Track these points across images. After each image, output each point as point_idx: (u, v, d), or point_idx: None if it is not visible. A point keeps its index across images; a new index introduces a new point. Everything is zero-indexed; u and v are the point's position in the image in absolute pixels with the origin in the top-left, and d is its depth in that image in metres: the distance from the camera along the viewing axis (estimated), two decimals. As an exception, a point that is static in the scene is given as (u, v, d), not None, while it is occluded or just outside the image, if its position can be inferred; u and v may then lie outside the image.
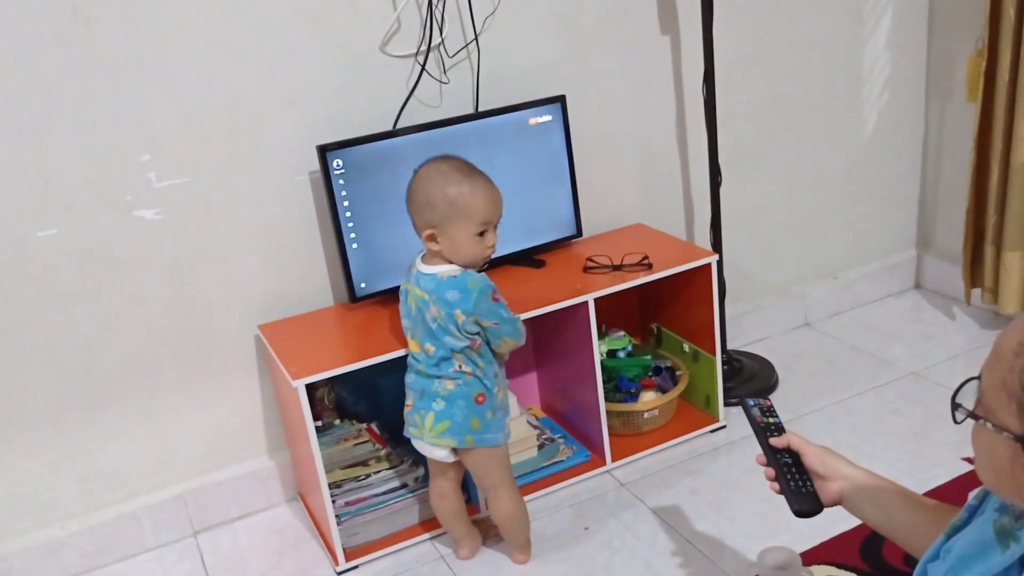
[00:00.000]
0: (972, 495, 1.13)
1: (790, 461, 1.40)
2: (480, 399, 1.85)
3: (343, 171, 2.05)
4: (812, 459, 1.39)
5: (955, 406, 0.99)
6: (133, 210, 2.00)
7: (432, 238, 1.78)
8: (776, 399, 2.52)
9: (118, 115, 1.93)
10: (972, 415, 0.97)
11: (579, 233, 2.40)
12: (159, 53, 1.93)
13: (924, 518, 1.28)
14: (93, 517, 2.14)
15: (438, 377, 1.84)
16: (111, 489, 2.15)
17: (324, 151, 2.02)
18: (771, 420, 1.48)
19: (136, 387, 2.11)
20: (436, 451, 1.89)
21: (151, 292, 2.06)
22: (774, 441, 1.43)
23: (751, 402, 1.51)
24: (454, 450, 1.89)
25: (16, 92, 1.84)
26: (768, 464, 1.41)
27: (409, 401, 1.91)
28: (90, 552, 2.13)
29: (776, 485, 1.39)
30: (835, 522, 1.98)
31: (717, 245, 2.45)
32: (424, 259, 1.85)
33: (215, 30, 1.97)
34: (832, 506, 1.38)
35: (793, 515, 1.36)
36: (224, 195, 2.07)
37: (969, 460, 2.18)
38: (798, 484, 1.37)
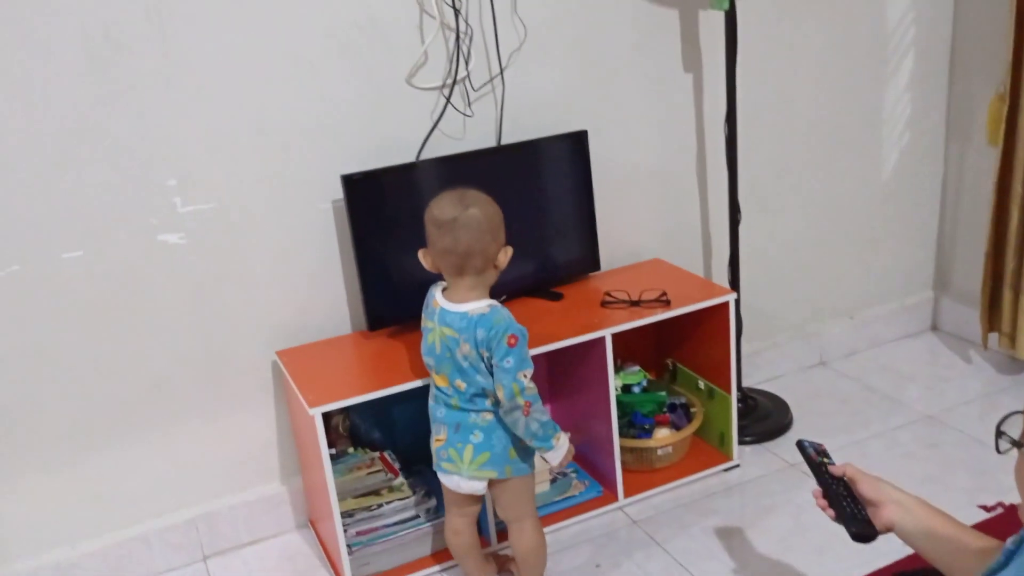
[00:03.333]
0: (1010, 541, 1.14)
1: (844, 492, 1.48)
2: None
3: (366, 201, 2.06)
4: (866, 487, 1.46)
5: (999, 434, 1.01)
6: (158, 234, 2.01)
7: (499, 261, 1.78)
8: (790, 439, 2.51)
9: (146, 139, 1.96)
10: (1016, 444, 0.98)
11: (597, 267, 2.41)
12: (189, 80, 1.96)
13: (967, 552, 1.31)
14: (105, 538, 2.14)
15: (475, 411, 1.82)
16: (124, 511, 2.15)
17: (348, 181, 2.04)
18: (825, 460, 1.57)
19: (154, 409, 2.12)
20: (473, 484, 1.86)
21: (172, 316, 2.07)
22: (833, 469, 1.52)
23: (807, 443, 1.61)
24: (488, 482, 1.88)
25: (48, 114, 1.87)
26: (825, 495, 1.49)
27: (440, 436, 1.87)
28: (101, 573, 2.13)
29: (832, 512, 1.47)
30: (850, 569, 1.97)
31: (735, 283, 2.45)
32: (448, 295, 1.82)
33: (245, 58, 1.99)
34: (885, 532, 1.43)
35: (851, 539, 1.42)
36: (248, 221, 2.09)
37: (985, 508, 2.16)
38: (853, 511, 1.45)
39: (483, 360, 1.76)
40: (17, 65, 1.82)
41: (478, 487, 1.87)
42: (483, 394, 1.80)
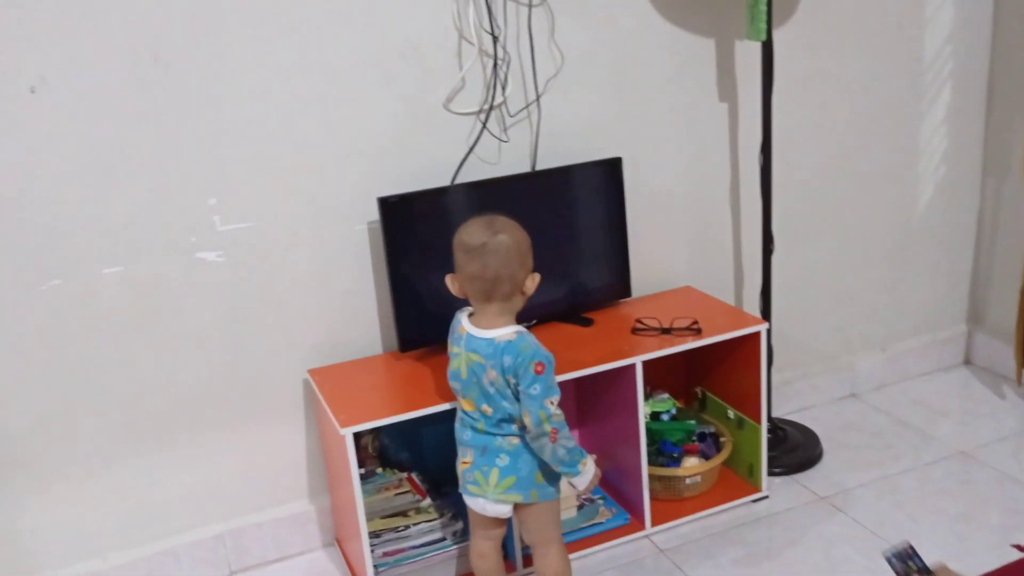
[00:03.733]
0: None
1: None
2: None
3: (401, 223, 2.09)
4: None
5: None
6: (197, 251, 2.05)
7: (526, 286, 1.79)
8: (820, 471, 2.49)
9: (189, 159, 2.00)
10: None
11: (628, 293, 2.41)
12: (232, 101, 2.00)
13: None
14: (135, 551, 2.16)
15: (501, 435, 1.83)
16: (154, 524, 2.18)
17: (384, 203, 2.06)
18: (914, 566, 1.51)
19: (186, 424, 2.14)
20: (499, 508, 1.87)
21: (207, 332, 2.10)
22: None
23: (892, 559, 1.54)
24: (514, 506, 1.88)
25: (97, 132, 1.91)
26: None
27: (467, 459, 1.87)
28: (129, 586, 2.16)
29: None
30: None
31: (767, 313, 2.44)
32: (475, 320, 1.82)
33: (287, 81, 2.03)
34: None
35: None
36: (284, 241, 2.12)
37: (1019, 547, 2.13)
38: None
39: (509, 386, 1.77)
40: (69, 83, 1.87)
41: (503, 510, 1.87)
42: (510, 419, 1.81)
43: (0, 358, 1.95)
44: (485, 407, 1.81)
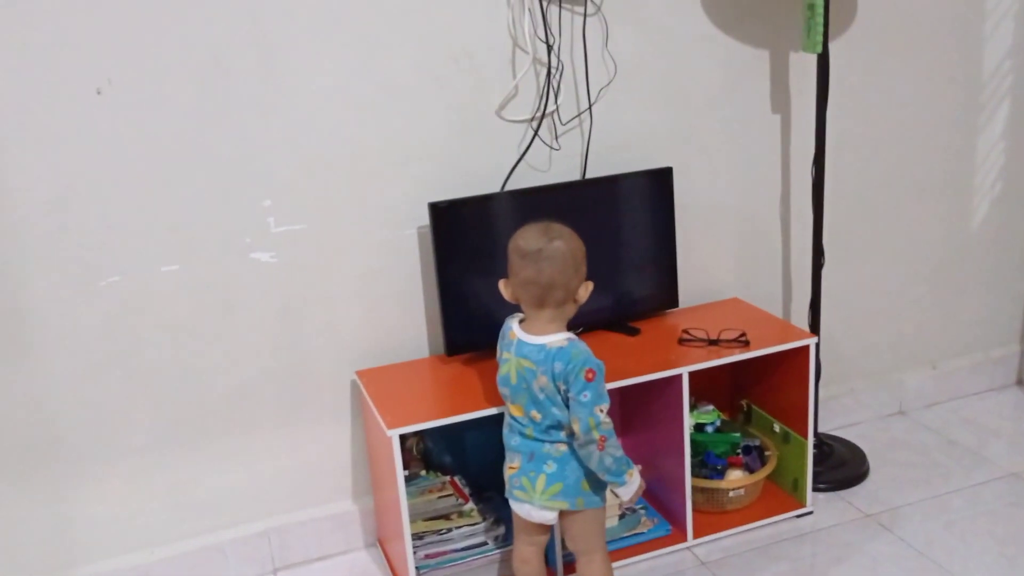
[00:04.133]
0: None
1: None
2: None
3: (451, 228, 2.10)
4: None
5: None
6: (251, 252, 2.08)
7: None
8: (866, 488, 2.45)
9: (245, 161, 2.03)
10: None
11: (675, 304, 2.40)
12: (289, 106, 2.03)
13: None
14: (181, 545, 2.20)
15: (549, 441, 1.83)
16: (201, 519, 2.21)
17: (435, 208, 2.08)
18: None
19: (235, 422, 2.18)
20: (544, 514, 1.87)
21: (259, 331, 2.14)
22: None
23: None
24: (559, 513, 1.88)
25: (158, 133, 1.96)
26: None
27: (514, 464, 1.88)
28: (175, 579, 2.20)
29: None
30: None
31: (815, 327, 2.42)
32: (526, 326, 1.83)
33: (343, 87, 2.06)
34: None
35: None
36: (336, 243, 2.15)
37: (1073, 573, 2.08)
38: None
39: (560, 393, 1.77)
40: (134, 85, 1.91)
41: (548, 517, 1.87)
42: (558, 426, 1.81)
43: (59, 351, 2.00)
44: (534, 413, 1.81)
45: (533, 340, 1.79)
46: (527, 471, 1.85)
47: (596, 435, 1.76)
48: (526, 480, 1.85)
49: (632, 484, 1.84)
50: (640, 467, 1.91)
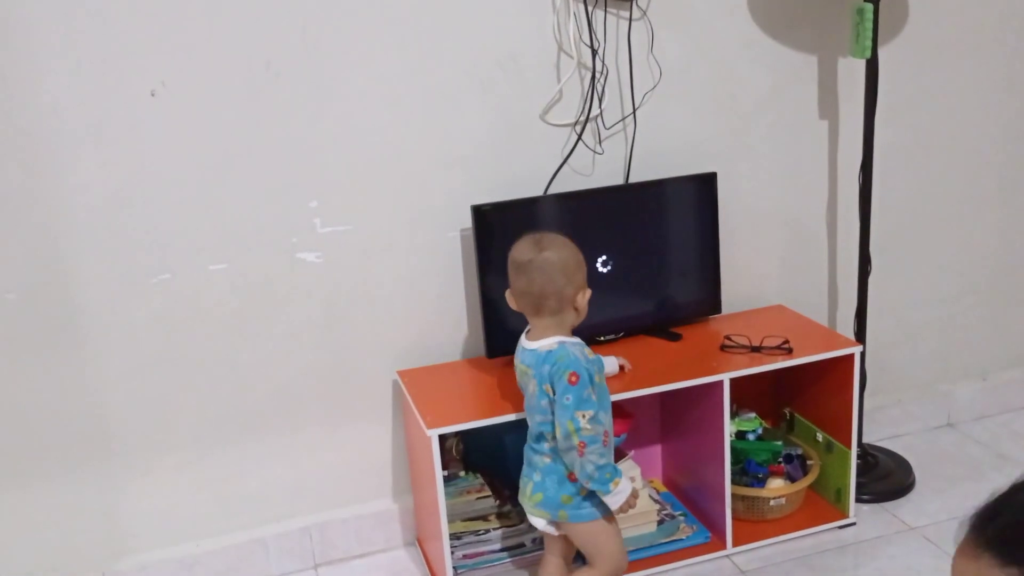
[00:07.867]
0: None
1: None
2: (573, 477, 1.83)
3: (494, 231, 2.12)
4: None
5: None
6: (297, 252, 2.12)
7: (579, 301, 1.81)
8: (911, 501, 2.41)
9: (294, 162, 2.07)
10: None
11: (718, 310, 2.39)
12: (336, 108, 2.06)
13: None
14: (225, 539, 2.24)
15: (538, 452, 1.87)
16: (245, 513, 2.25)
17: (478, 211, 2.10)
18: None
19: (279, 418, 2.21)
20: (536, 520, 1.92)
21: (304, 330, 2.17)
22: None
23: None
24: (555, 522, 1.90)
25: (209, 134, 2.00)
26: None
27: (524, 468, 1.94)
28: (219, 572, 2.23)
29: None
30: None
31: (861, 335, 2.39)
32: (529, 334, 1.87)
33: (390, 90, 2.09)
34: None
35: None
36: (380, 244, 2.18)
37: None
38: None
39: (547, 396, 1.79)
40: (187, 88, 1.96)
41: (539, 523, 1.91)
42: (543, 436, 1.84)
43: (110, 346, 2.05)
44: (528, 420, 1.87)
45: (531, 346, 1.84)
46: (523, 476, 1.91)
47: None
48: (523, 484, 1.91)
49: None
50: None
